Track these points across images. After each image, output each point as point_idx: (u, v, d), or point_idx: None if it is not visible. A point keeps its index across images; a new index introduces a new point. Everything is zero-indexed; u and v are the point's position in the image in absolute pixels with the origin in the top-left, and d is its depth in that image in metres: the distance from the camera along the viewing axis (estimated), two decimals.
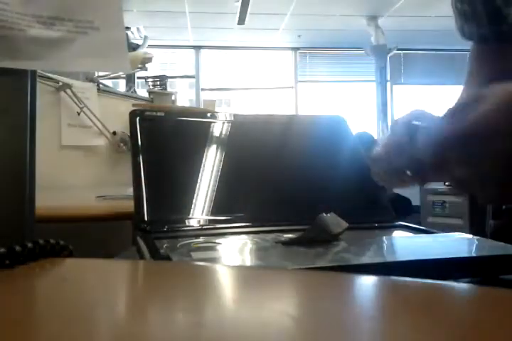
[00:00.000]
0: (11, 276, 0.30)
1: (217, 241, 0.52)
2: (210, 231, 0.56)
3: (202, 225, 0.58)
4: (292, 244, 0.49)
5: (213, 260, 0.45)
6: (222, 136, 0.70)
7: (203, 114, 0.73)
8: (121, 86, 3.04)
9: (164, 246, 0.49)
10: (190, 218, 0.59)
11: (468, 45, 0.67)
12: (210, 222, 0.59)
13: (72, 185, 1.69)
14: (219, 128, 0.70)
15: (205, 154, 0.66)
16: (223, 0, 4.88)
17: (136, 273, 0.36)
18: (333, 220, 0.49)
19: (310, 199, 0.63)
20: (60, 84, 1.66)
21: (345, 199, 0.64)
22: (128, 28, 3.83)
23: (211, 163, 0.65)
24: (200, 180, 0.63)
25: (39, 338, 0.20)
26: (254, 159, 0.68)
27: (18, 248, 0.32)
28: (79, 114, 1.73)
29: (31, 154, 0.39)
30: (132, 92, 2.42)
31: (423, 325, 0.21)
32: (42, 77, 1.55)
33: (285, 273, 0.33)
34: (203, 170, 0.64)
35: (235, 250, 0.50)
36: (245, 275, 0.33)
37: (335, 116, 0.78)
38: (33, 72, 0.39)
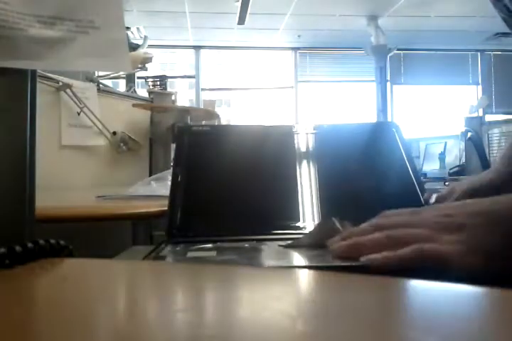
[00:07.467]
0: (11, 276, 0.30)
1: (225, 245, 0.52)
2: (230, 238, 0.56)
3: (226, 235, 0.58)
4: (294, 247, 0.49)
5: (207, 258, 0.46)
6: (263, 151, 0.71)
7: (249, 128, 0.77)
8: (121, 86, 3.04)
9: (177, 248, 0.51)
10: (216, 230, 0.59)
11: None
12: (239, 233, 0.58)
13: (72, 185, 1.69)
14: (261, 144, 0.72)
15: (239, 171, 0.68)
16: (223, 0, 4.88)
17: (136, 273, 0.36)
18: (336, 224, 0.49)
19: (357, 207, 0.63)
20: (60, 84, 1.67)
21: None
22: (128, 28, 3.84)
23: (244, 178, 0.67)
24: (235, 193, 0.64)
25: (39, 338, 0.20)
26: (288, 171, 0.68)
27: (18, 248, 0.32)
28: (79, 114, 1.73)
29: (31, 154, 0.39)
30: (132, 92, 2.42)
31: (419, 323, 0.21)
32: (42, 77, 1.55)
33: (282, 272, 0.33)
34: (237, 184, 0.66)
35: (234, 250, 0.50)
36: (245, 275, 0.33)
37: (385, 122, 0.77)
38: (33, 72, 0.39)
